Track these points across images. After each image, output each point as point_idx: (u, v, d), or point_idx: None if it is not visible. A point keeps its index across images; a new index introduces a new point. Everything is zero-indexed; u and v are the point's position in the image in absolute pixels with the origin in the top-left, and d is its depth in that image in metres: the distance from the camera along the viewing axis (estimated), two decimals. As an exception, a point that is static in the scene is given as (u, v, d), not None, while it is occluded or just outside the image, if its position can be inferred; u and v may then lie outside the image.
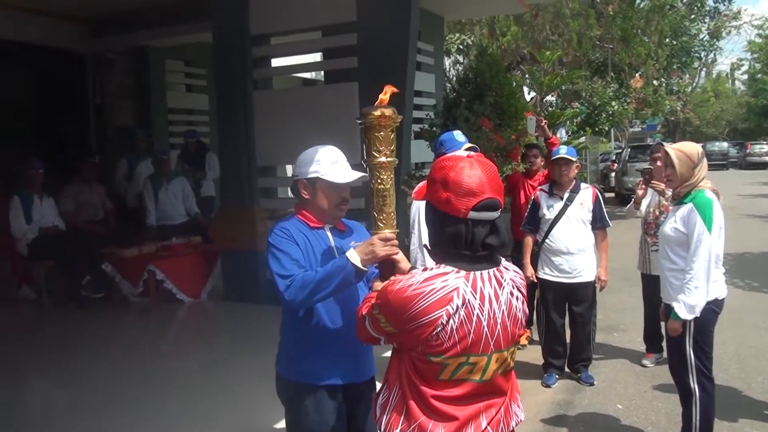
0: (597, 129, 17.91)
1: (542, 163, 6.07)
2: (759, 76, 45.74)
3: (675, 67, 23.91)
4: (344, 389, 2.55)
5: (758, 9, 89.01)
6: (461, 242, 1.78)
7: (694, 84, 44.64)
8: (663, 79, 23.63)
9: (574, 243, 4.96)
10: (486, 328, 1.78)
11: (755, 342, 5.92)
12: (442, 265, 1.79)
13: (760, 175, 29.37)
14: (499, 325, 1.80)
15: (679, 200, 3.65)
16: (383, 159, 2.20)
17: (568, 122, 15.87)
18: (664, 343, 4.64)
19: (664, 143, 4.97)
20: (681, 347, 3.60)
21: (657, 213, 5.23)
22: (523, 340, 5.85)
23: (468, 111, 6.11)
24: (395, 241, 2.23)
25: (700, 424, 3.61)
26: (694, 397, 3.60)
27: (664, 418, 4.39)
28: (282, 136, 7.18)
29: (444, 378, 1.79)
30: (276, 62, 8.69)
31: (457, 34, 17.77)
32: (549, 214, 5.05)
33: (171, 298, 7.64)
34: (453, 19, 15.08)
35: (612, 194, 20.86)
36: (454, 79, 11.03)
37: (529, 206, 5.28)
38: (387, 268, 2.22)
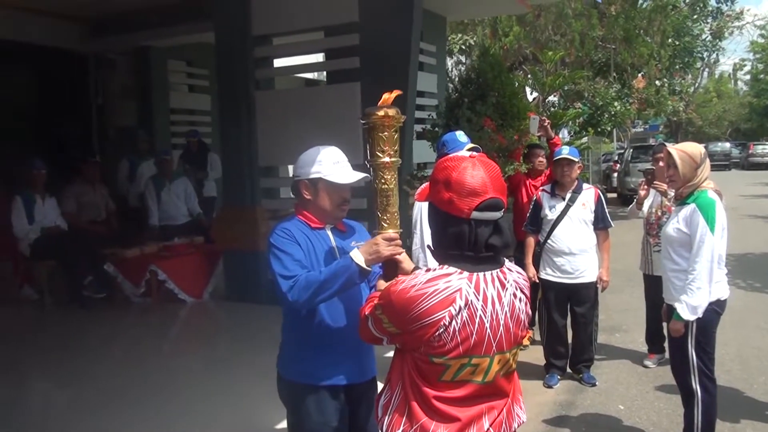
0: (599, 129, 17.88)
1: (546, 164, 6.06)
2: (762, 76, 45.66)
3: (677, 67, 23.89)
4: (346, 389, 2.54)
5: (761, 9, 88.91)
6: (464, 243, 1.78)
7: (697, 84, 44.64)
8: (665, 80, 23.61)
9: (576, 243, 4.96)
10: (488, 330, 1.77)
11: (757, 343, 5.91)
12: (445, 266, 1.78)
13: (763, 176, 29.33)
14: (501, 327, 1.80)
15: (681, 201, 3.65)
16: (387, 159, 2.21)
17: (570, 122, 15.85)
18: (666, 344, 4.64)
19: (667, 144, 4.96)
20: (683, 348, 3.60)
21: (659, 213, 5.23)
22: (525, 341, 5.84)
23: (470, 111, 6.11)
24: (399, 241, 2.23)
25: (702, 425, 3.60)
26: (696, 398, 3.60)
27: (666, 418, 4.38)
28: (284, 136, 7.18)
29: (446, 379, 1.79)
30: (278, 62, 8.69)
31: (460, 35, 17.78)
32: (551, 214, 5.05)
33: (173, 299, 7.64)
34: (455, 20, 15.09)
35: (614, 195, 20.86)
36: (457, 79, 11.03)
37: (531, 207, 5.27)
38: (390, 268, 2.22)
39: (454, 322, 1.73)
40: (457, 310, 1.72)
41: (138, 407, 4.64)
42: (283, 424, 2.70)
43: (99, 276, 7.66)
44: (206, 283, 8.03)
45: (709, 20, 29.26)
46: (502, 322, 1.80)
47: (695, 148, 3.62)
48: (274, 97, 8.01)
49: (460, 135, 4.05)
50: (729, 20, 33.37)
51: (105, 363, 5.73)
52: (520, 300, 1.86)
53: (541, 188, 5.29)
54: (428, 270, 1.79)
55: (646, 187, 5.32)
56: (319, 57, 9.15)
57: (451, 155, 1.92)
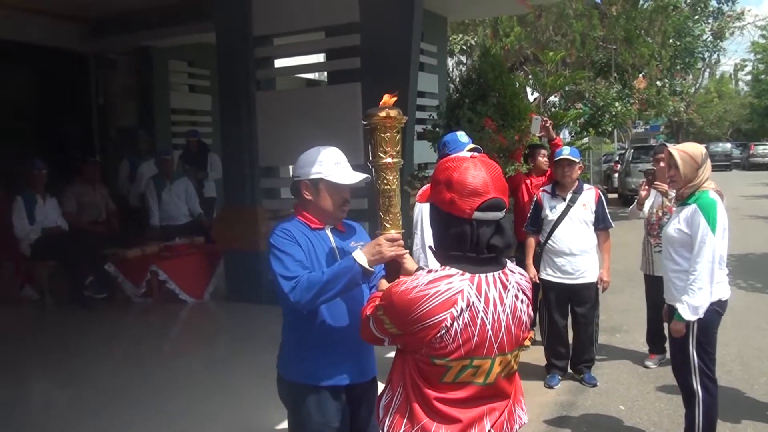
0: (600, 130, 17.87)
1: (548, 163, 6.06)
2: (762, 77, 45.65)
3: (678, 67, 23.88)
4: (347, 390, 2.54)
5: (762, 10, 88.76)
6: (466, 243, 1.78)
7: (698, 85, 44.60)
8: (666, 80, 23.61)
9: (577, 244, 4.96)
10: (490, 331, 1.77)
11: (758, 343, 5.90)
12: (447, 268, 1.78)
13: (764, 176, 29.33)
14: (503, 329, 1.80)
15: (682, 201, 3.64)
16: (389, 160, 2.21)
17: (571, 123, 15.83)
18: (666, 345, 4.64)
19: (668, 144, 4.96)
20: (684, 348, 3.59)
21: (660, 214, 5.22)
22: (526, 342, 5.84)
23: (471, 112, 6.11)
24: (401, 242, 2.23)
25: (702, 426, 3.60)
26: (697, 399, 3.60)
27: (666, 419, 4.38)
28: (285, 136, 7.18)
29: (447, 380, 1.78)
30: (279, 63, 8.70)
31: (461, 35, 17.78)
32: (552, 215, 5.05)
33: (174, 299, 7.64)
34: (456, 20, 15.08)
35: (615, 195, 20.86)
36: (457, 79, 11.06)
37: (532, 207, 5.27)
38: (393, 268, 2.22)
39: (455, 324, 1.72)
40: (459, 311, 1.72)
41: (138, 407, 4.64)
42: (284, 425, 2.70)
43: (100, 276, 7.66)
44: (207, 283, 8.03)
45: (710, 21, 29.26)
46: (503, 323, 1.79)
47: (696, 149, 3.62)
48: (275, 97, 8.01)
49: (461, 135, 4.05)
50: (730, 21, 33.36)
51: (105, 363, 5.74)
52: (521, 301, 1.85)
53: (541, 189, 5.28)
54: (430, 271, 1.79)
55: (647, 187, 5.32)
56: (319, 57, 9.16)
57: (452, 156, 1.92)
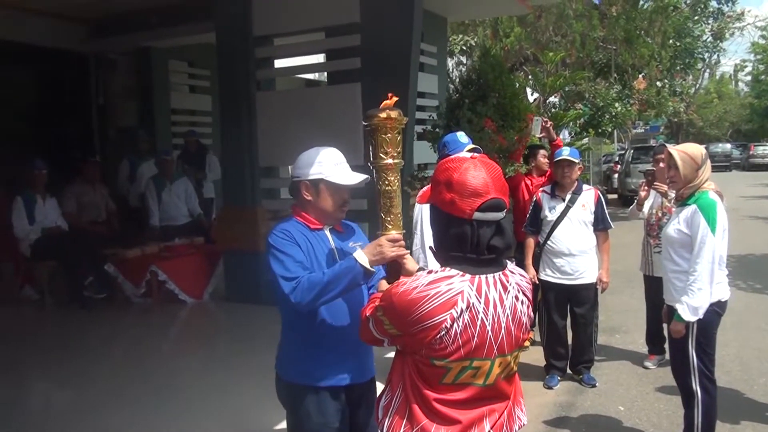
0: (600, 130, 17.89)
1: (548, 163, 6.07)
2: (762, 77, 45.64)
3: (678, 68, 23.91)
4: (347, 390, 2.53)
5: (762, 10, 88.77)
6: (466, 244, 1.78)
7: (698, 85, 44.59)
8: (666, 81, 23.61)
9: (576, 245, 4.96)
10: (490, 333, 1.77)
11: (758, 344, 5.91)
12: (447, 268, 1.78)
13: (763, 177, 29.34)
14: (503, 330, 1.80)
15: (682, 202, 3.65)
16: (390, 161, 2.21)
17: (571, 123, 15.86)
18: (666, 345, 4.64)
19: (668, 145, 4.96)
20: (684, 349, 3.60)
21: (660, 215, 5.22)
22: (526, 343, 5.83)
23: (471, 112, 6.10)
24: (403, 242, 2.23)
25: (702, 426, 3.60)
26: (696, 399, 3.60)
27: (666, 420, 4.38)
28: (285, 136, 7.18)
29: (447, 382, 1.78)
30: (279, 63, 8.69)
31: (461, 35, 17.77)
32: (551, 215, 5.05)
33: (173, 299, 7.64)
34: (456, 20, 15.07)
35: (615, 196, 20.87)
36: (457, 80, 11.06)
37: (531, 207, 5.28)
38: (394, 269, 2.22)
39: (455, 325, 1.72)
40: (459, 312, 1.72)
41: (138, 407, 4.64)
42: (283, 425, 2.70)
43: (99, 276, 7.65)
44: (206, 283, 8.03)
45: (710, 21, 29.30)
46: (503, 324, 1.79)
47: (696, 149, 3.62)
48: (275, 97, 8.01)
49: (461, 136, 4.05)
50: (730, 21, 33.40)
51: (105, 363, 5.74)
52: (522, 303, 1.85)
53: (541, 189, 5.28)
54: (430, 272, 1.79)
55: (646, 188, 5.32)
56: (320, 58, 9.15)
57: (452, 156, 1.92)
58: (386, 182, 2.22)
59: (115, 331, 6.85)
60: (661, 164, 5.09)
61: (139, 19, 9.44)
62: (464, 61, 19.79)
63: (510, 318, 1.81)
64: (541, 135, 6.25)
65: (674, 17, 20.33)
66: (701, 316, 3.47)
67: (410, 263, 2.22)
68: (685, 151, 3.59)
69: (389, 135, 2.20)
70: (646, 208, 5.36)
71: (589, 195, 5.07)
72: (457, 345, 1.74)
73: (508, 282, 1.82)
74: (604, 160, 23.60)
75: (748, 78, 51.95)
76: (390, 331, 1.85)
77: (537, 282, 5.08)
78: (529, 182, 6.11)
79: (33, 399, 5.12)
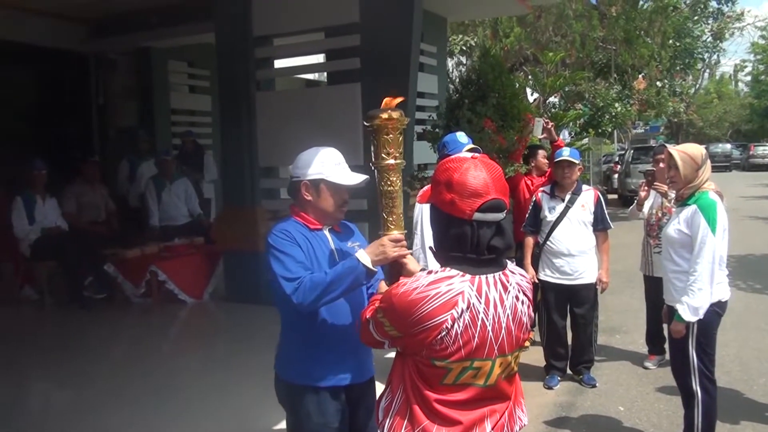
0: (600, 130, 17.89)
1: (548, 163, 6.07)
2: (762, 77, 45.69)
3: (678, 68, 23.92)
4: (346, 390, 2.53)
5: (762, 10, 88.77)
6: (466, 244, 1.77)
7: (698, 85, 44.61)
8: (666, 81, 23.64)
9: (576, 245, 4.96)
10: (490, 333, 1.77)
11: (758, 344, 5.91)
12: (448, 269, 1.78)
13: (763, 177, 29.35)
14: (503, 330, 1.79)
15: (682, 202, 3.64)
16: (392, 161, 2.21)
17: (571, 124, 15.86)
18: (666, 345, 4.64)
19: (667, 145, 4.96)
20: (684, 349, 3.60)
21: (660, 215, 5.22)
22: (526, 343, 5.83)
23: (471, 112, 6.10)
24: (404, 242, 2.23)
25: (702, 427, 3.60)
26: (696, 399, 3.60)
27: (666, 420, 4.38)
28: (284, 137, 7.18)
29: (448, 382, 1.78)
30: (279, 63, 8.69)
31: (460, 36, 17.78)
32: (550, 215, 5.05)
33: (173, 299, 7.64)
34: (456, 21, 15.08)
35: (615, 196, 20.87)
36: (457, 80, 11.05)
37: (530, 207, 5.28)
38: (395, 269, 2.22)
39: (456, 326, 1.72)
40: (459, 313, 1.72)
41: (137, 407, 4.64)
42: (282, 425, 2.69)
43: (99, 276, 7.65)
44: (206, 283, 8.03)
45: (710, 21, 29.31)
46: (504, 325, 1.79)
47: (696, 149, 3.62)
48: (275, 97, 8.01)
49: (461, 136, 4.05)
50: (730, 21, 33.38)
51: (105, 363, 5.74)
52: (522, 303, 1.85)
53: (540, 189, 5.28)
54: (430, 272, 1.78)
55: (646, 188, 5.32)
56: (319, 58, 9.16)
57: (452, 156, 1.92)
58: (388, 182, 2.22)
59: (115, 331, 6.85)
60: (661, 164, 5.09)
61: (139, 19, 9.44)
62: (464, 61, 19.79)
63: (510, 318, 1.81)
64: (542, 136, 6.25)
65: (674, 17, 20.34)
66: (701, 317, 3.47)
67: (412, 263, 2.21)
68: (685, 152, 3.59)
69: (391, 135, 2.20)
70: (646, 209, 5.36)
71: (588, 195, 5.07)
72: (458, 345, 1.74)
73: (508, 282, 1.82)
74: (604, 160, 23.61)
75: (748, 78, 52.02)
76: (390, 332, 1.84)
77: (537, 282, 5.08)
78: (529, 182, 6.11)
79: (33, 399, 5.12)
